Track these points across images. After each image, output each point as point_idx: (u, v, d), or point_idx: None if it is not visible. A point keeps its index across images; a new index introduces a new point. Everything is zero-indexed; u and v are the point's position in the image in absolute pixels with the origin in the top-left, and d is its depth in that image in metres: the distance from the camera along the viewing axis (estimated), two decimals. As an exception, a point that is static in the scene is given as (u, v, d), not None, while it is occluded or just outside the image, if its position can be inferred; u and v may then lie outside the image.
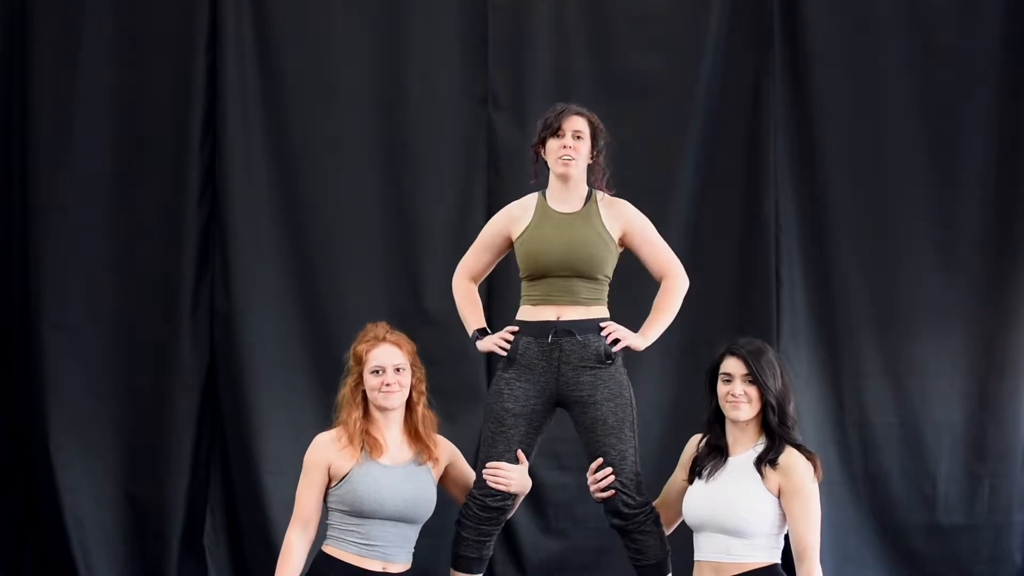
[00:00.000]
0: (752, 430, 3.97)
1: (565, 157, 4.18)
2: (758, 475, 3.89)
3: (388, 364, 4.06)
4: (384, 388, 4.04)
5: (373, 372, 4.06)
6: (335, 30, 6.01)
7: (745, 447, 3.97)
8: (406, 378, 4.09)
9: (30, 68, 5.89)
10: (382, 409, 4.08)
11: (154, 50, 5.93)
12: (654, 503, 4.15)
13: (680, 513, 4.07)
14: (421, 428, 4.11)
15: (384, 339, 4.10)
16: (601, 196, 4.27)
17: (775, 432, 3.93)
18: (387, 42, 6.03)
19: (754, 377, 3.92)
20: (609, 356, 4.12)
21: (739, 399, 3.93)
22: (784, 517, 3.89)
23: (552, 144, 4.21)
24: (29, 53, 5.89)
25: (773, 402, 3.92)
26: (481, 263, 4.39)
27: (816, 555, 3.86)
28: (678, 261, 4.32)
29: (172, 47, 5.93)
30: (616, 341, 4.13)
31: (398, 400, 4.08)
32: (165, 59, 5.94)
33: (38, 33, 5.89)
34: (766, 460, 3.89)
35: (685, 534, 4.06)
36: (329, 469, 4.02)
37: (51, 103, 5.88)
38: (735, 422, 3.97)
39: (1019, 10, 6.06)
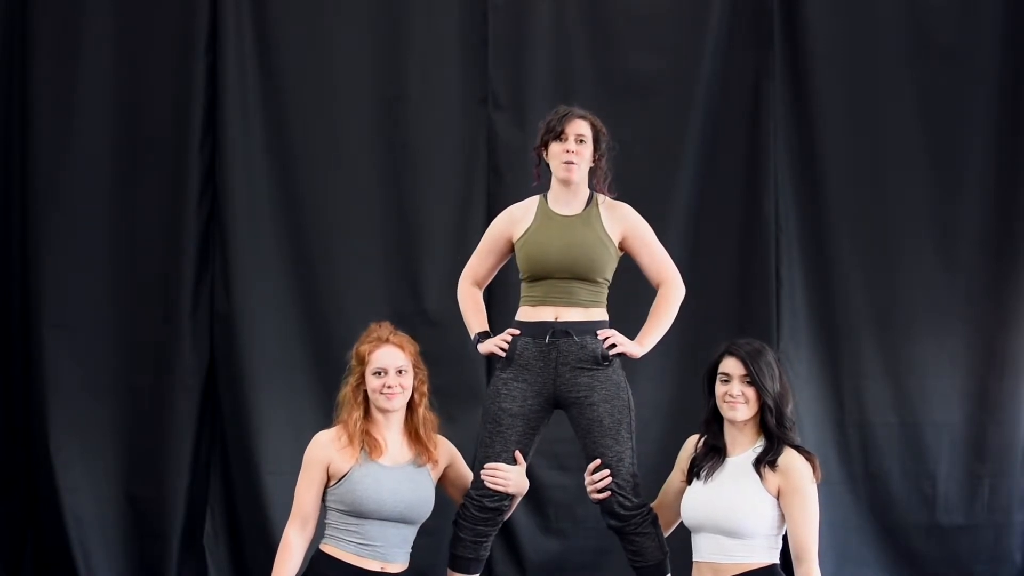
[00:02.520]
0: (750, 431, 3.97)
1: (567, 161, 4.18)
2: (756, 476, 3.89)
3: (390, 366, 4.06)
4: (385, 390, 4.04)
5: (375, 374, 4.06)
6: (335, 30, 6.01)
7: (743, 448, 3.97)
8: (408, 380, 4.09)
9: (30, 68, 5.89)
10: (383, 410, 4.08)
11: (154, 50, 5.94)
12: (652, 505, 4.15)
13: (679, 514, 4.06)
14: (421, 430, 4.11)
15: (387, 340, 4.10)
16: (603, 199, 4.27)
17: (773, 433, 3.92)
18: (387, 42, 6.03)
19: (752, 378, 3.92)
20: (606, 358, 4.12)
21: (736, 399, 3.93)
22: (783, 518, 3.89)
23: (555, 148, 4.21)
24: (29, 53, 5.89)
25: (771, 404, 3.92)
26: (484, 267, 4.38)
27: (815, 556, 3.86)
28: (676, 269, 4.31)
29: (172, 47, 5.93)
30: (613, 346, 4.13)
31: (399, 402, 4.08)
32: (165, 59, 5.94)
33: (38, 33, 5.89)
34: (765, 461, 3.89)
35: (684, 535, 4.06)
36: (328, 467, 4.02)
37: (51, 103, 5.88)
38: (732, 422, 3.97)
39: (1019, 10, 6.06)
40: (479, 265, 4.38)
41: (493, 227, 4.37)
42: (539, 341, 4.13)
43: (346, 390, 4.11)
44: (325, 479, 4.02)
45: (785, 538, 3.92)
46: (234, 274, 5.90)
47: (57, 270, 5.84)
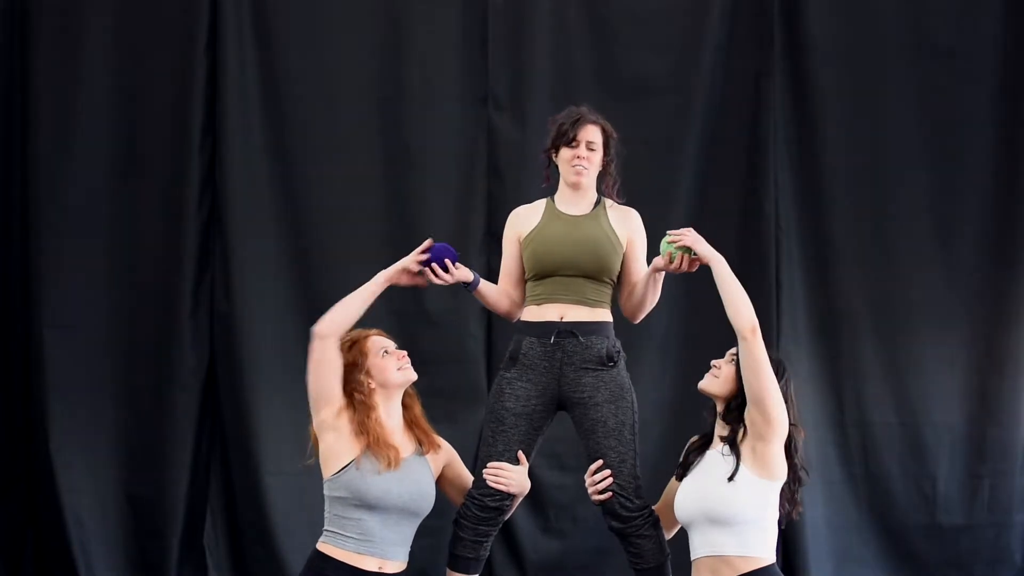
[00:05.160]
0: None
1: (578, 166, 4.19)
2: (735, 461, 3.88)
3: (389, 345, 4.08)
4: (401, 360, 4.05)
5: (382, 356, 4.05)
6: (335, 30, 6.01)
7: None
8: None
9: (30, 68, 5.89)
10: (392, 393, 4.04)
11: (154, 50, 5.94)
12: (655, 507, 4.15)
13: (679, 516, 4.07)
14: (421, 418, 4.12)
15: (371, 332, 4.12)
16: (610, 203, 4.27)
17: (725, 416, 3.93)
18: (387, 42, 6.03)
19: (738, 362, 3.92)
20: (611, 358, 4.13)
21: (713, 369, 3.99)
22: (766, 498, 3.87)
23: (565, 153, 4.21)
24: (29, 53, 5.89)
25: (747, 395, 3.91)
26: (507, 268, 4.33)
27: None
28: None
29: (172, 47, 5.94)
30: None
31: (414, 373, 4.08)
32: (165, 59, 5.94)
33: (38, 33, 5.89)
34: (737, 438, 3.89)
35: (685, 537, 4.05)
36: (340, 399, 3.99)
37: (51, 103, 5.88)
38: (702, 392, 4.00)
39: (1019, 10, 6.07)
40: (504, 269, 4.34)
41: (505, 233, 4.35)
42: (544, 341, 4.13)
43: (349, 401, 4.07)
44: (340, 372, 4.00)
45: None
46: (234, 274, 5.91)
47: (57, 270, 5.84)
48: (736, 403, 3.94)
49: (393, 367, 4.05)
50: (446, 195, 6.02)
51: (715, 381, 3.99)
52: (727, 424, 3.95)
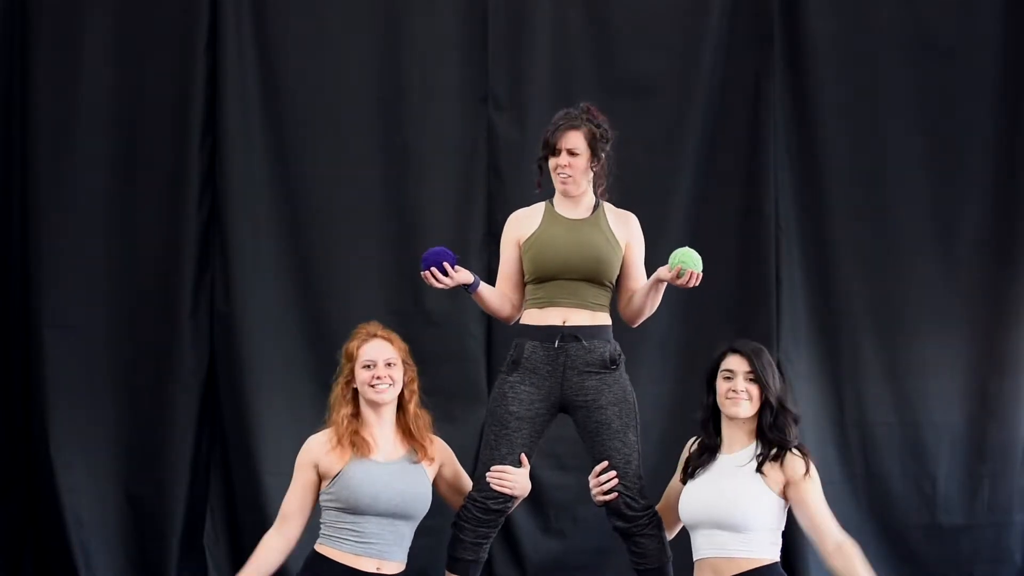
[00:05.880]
0: (747, 429, 3.96)
1: (562, 175, 4.18)
2: (756, 472, 3.88)
3: (379, 358, 4.05)
4: (375, 381, 4.02)
5: (364, 367, 4.04)
6: (335, 30, 6.01)
7: (740, 446, 3.96)
8: (398, 373, 4.07)
9: (30, 68, 5.89)
10: (374, 404, 4.06)
11: (154, 50, 5.93)
12: (656, 507, 4.15)
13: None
14: (414, 427, 4.10)
15: (375, 335, 4.10)
16: (608, 206, 4.27)
17: (766, 435, 3.92)
18: (387, 42, 6.03)
19: (756, 375, 3.92)
20: (614, 361, 4.13)
21: (740, 395, 3.93)
22: (780, 514, 3.89)
23: (551, 162, 4.20)
24: (29, 53, 5.89)
25: (773, 402, 3.92)
26: (506, 271, 4.32)
27: (836, 524, 3.89)
28: None
29: (172, 47, 5.93)
30: None
31: (390, 395, 4.05)
32: (165, 59, 5.93)
33: (38, 33, 5.89)
34: (768, 458, 3.89)
35: (686, 537, 4.05)
36: (317, 468, 4.02)
37: (51, 103, 5.87)
38: (733, 419, 3.96)
39: (1019, 10, 6.06)
40: (502, 271, 4.33)
41: (503, 236, 4.34)
42: (547, 345, 4.12)
43: (336, 391, 4.10)
44: (315, 481, 4.03)
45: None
46: (234, 274, 5.90)
47: (57, 270, 5.84)
48: (770, 416, 3.93)
49: (366, 382, 4.05)
50: (446, 195, 6.02)
51: (747, 404, 3.95)
52: (764, 442, 3.93)
